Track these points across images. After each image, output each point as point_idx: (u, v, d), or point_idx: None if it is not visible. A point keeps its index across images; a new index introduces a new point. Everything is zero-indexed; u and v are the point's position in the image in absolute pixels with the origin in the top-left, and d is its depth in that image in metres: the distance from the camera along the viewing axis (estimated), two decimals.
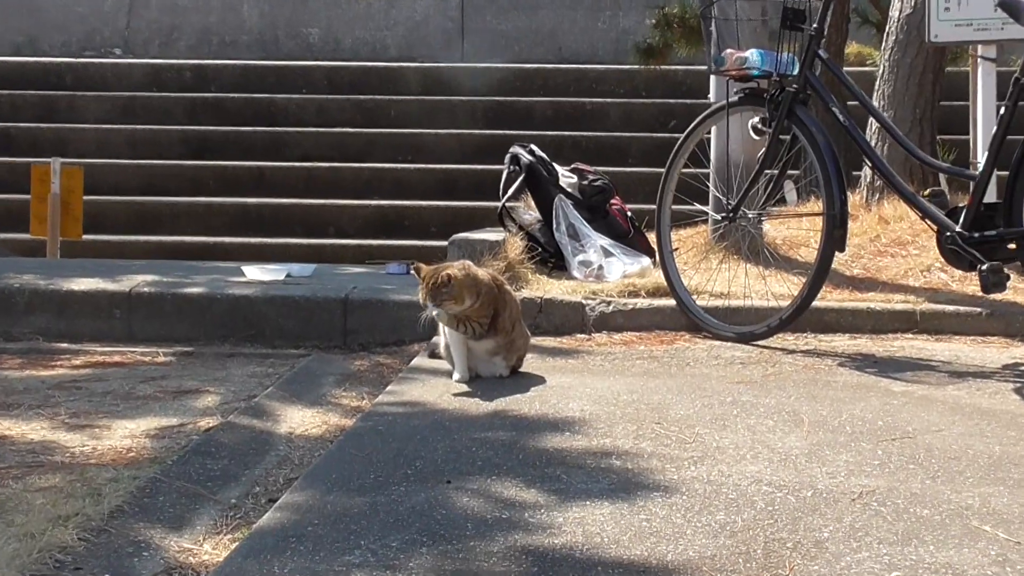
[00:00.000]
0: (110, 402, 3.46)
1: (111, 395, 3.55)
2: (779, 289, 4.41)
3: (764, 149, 4.17)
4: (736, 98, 4.25)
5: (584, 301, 4.43)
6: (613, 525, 2.28)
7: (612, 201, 5.40)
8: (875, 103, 5.46)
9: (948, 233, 3.85)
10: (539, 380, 3.54)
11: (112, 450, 2.94)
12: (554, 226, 5.11)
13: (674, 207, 4.57)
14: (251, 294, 4.57)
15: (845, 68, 6.23)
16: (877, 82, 5.70)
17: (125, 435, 3.08)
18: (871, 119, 5.35)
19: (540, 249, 5.02)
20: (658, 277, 4.61)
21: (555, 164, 5.43)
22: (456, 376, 3.52)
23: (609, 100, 9.18)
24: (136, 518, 2.45)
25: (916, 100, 5.59)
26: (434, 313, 3.44)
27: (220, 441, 3.01)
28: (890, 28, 5.67)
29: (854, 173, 6.16)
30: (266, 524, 2.33)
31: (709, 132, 4.85)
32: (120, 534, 2.36)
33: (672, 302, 4.40)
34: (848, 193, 4.11)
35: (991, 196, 4.07)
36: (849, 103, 5.54)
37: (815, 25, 4.01)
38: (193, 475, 2.75)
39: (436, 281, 3.37)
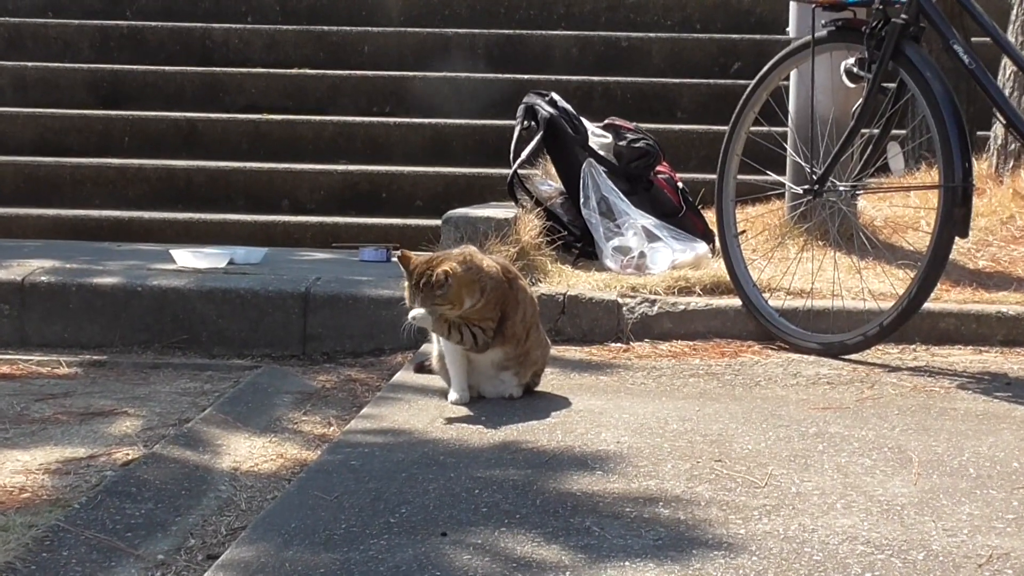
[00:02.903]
0: None
1: None
2: (879, 286, 4.42)
3: (861, 100, 4.18)
4: (825, 32, 4.25)
5: (621, 299, 4.45)
6: None
7: (658, 168, 5.41)
8: (1011, 38, 5.46)
9: None
10: (562, 402, 3.56)
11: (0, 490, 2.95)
12: (581, 200, 5.12)
13: (740, 177, 4.58)
14: (182, 287, 4.59)
15: None
16: (1014, 11, 5.69)
17: (16, 470, 3.09)
18: (1005, 60, 5.34)
19: (563, 231, 5.03)
20: (718, 269, 4.62)
21: (583, 119, 5.44)
22: (453, 396, 3.53)
23: (653, 35, 9.17)
24: None
25: None
26: (411, 316, 3.42)
27: (143, 478, 3.02)
28: None
29: (980, 133, 6.16)
30: None
31: (787, 78, 4.86)
32: None
33: (736, 302, 4.41)
34: (973, 160, 4.11)
35: None
36: (975, 39, 5.53)
37: None
38: (107, 523, 2.76)
39: (429, 279, 3.37)
